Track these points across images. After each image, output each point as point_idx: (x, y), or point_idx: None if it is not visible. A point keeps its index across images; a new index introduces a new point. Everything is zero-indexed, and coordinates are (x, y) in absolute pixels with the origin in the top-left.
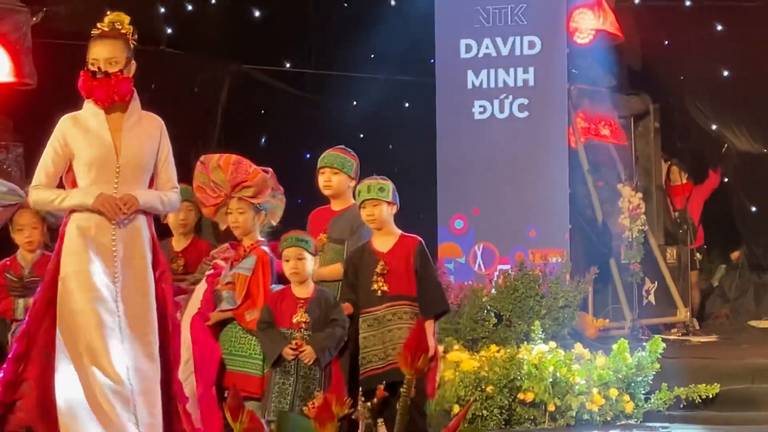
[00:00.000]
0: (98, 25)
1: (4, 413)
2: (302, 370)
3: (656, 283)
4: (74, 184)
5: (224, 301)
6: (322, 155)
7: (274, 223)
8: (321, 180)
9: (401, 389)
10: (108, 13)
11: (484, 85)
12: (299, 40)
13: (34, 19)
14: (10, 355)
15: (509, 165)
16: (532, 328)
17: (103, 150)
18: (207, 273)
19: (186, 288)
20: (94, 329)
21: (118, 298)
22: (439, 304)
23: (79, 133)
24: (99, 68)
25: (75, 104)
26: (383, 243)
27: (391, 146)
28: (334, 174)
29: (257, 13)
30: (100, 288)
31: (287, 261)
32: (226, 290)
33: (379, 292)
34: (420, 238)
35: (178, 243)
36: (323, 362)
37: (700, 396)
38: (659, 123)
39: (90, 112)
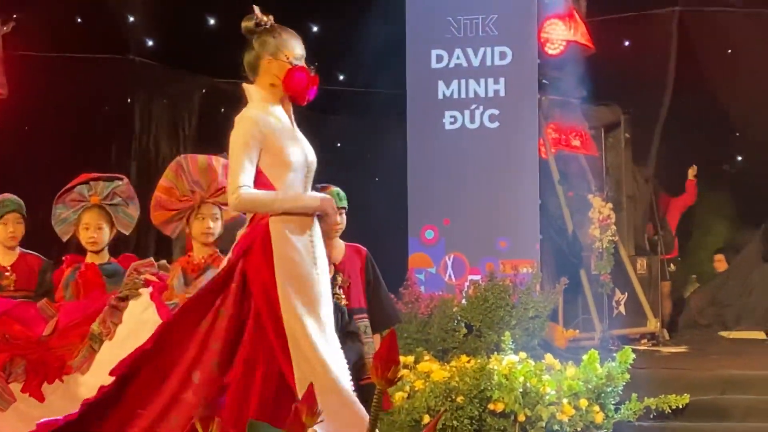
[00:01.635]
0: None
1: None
2: None
3: (626, 293)
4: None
5: None
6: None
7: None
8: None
9: (372, 401)
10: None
11: (455, 96)
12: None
13: (5, 28)
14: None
15: (480, 175)
16: (502, 338)
17: (302, 151)
18: (147, 290)
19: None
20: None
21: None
22: (396, 315)
23: (279, 133)
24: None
25: (46, 115)
26: (335, 254)
27: (368, 156)
28: None
29: (228, 26)
30: (315, 293)
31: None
32: None
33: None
34: (365, 248)
35: (5, 258)
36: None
37: (670, 406)
38: (630, 134)
39: (278, 111)
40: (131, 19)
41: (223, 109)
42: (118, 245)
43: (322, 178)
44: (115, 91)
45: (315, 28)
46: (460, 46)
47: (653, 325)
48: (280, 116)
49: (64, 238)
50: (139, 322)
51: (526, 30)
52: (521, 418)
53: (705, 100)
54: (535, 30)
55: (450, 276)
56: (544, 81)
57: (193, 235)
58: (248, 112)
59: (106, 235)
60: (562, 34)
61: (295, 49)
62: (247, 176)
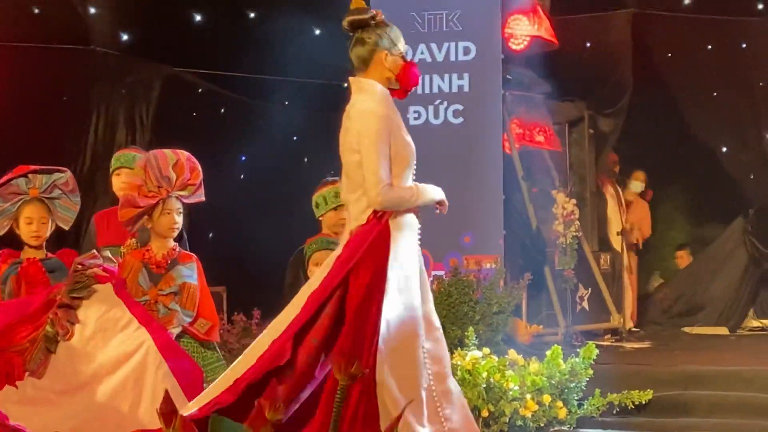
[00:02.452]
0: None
1: None
2: None
3: (590, 289)
4: None
5: (177, 317)
6: (117, 155)
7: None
8: (117, 182)
9: (336, 396)
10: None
11: (419, 91)
12: (234, 43)
13: None
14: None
15: (444, 171)
16: (465, 333)
17: (413, 145)
18: (107, 287)
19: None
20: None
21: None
22: None
23: (399, 128)
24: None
25: (3, 105)
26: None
27: (331, 150)
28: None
29: (191, 16)
30: (421, 290)
31: (317, 264)
32: (171, 303)
33: None
34: None
35: None
36: None
37: (633, 402)
38: (593, 129)
39: (391, 104)
40: (93, 10)
41: (181, 99)
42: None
43: (289, 171)
44: (76, 81)
45: (276, 21)
46: (424, 41)
47: (617, 320)
48: (396, 111)
49: (1, 232)
50: (106, 320)
51: (490, 25)
52: (484, 413)
53: (665, 99)
54: (499, 25)
55: None
56: (508, 76)
57: (157, 231)
58: (374, 107)
59: (48, 229)
60: (526, 30)
61: (403, 44)
62: (386, 172)
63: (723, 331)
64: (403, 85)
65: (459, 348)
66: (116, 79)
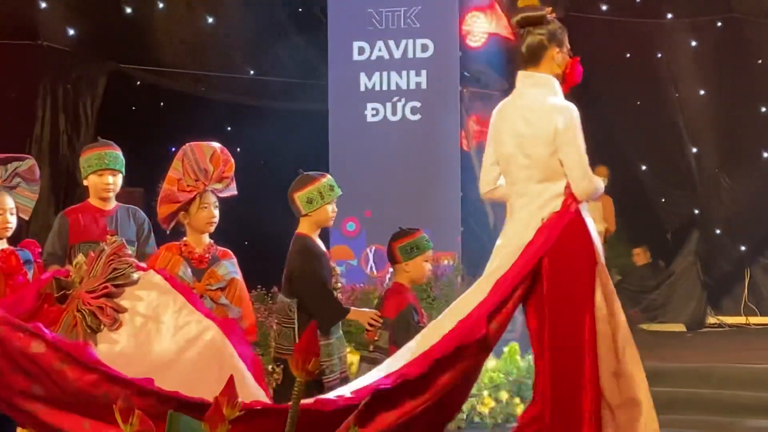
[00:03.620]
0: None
1: None
2: None
3: None
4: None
5: (229, 312)
6: (101, 154)
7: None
8: (98, 182)
9: (293, 392)
10: None
11: (377, 88)
12: (184, 38)
13: None
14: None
15: (402, 168)
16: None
17: None
18: (152, 275)
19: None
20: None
21: None
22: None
23: None
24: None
25: None
26: None
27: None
28: (115, 175)
29: (134, 11)
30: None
31: (426, 262)
32: (221, 298)
33: None
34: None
35: None
36: None
37: None
38: None
39: None
40: (43, 5)
41: (127, 95)
42: None
43: (251, 168)
44: (24, 76)
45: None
46: (382, 38)
47: None
48: None
49: None
50: (157, 307)
51: (447, 22)
52: None
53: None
54: (456, 22)
55: (371, 268)
56: (465, 73)
57: (195, 225)
58: (566, 102)
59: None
60: (483, 27)
61: (567, 40)
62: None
63: (680, 328)
64: (569, 81)
65: None
66: (63, 75)
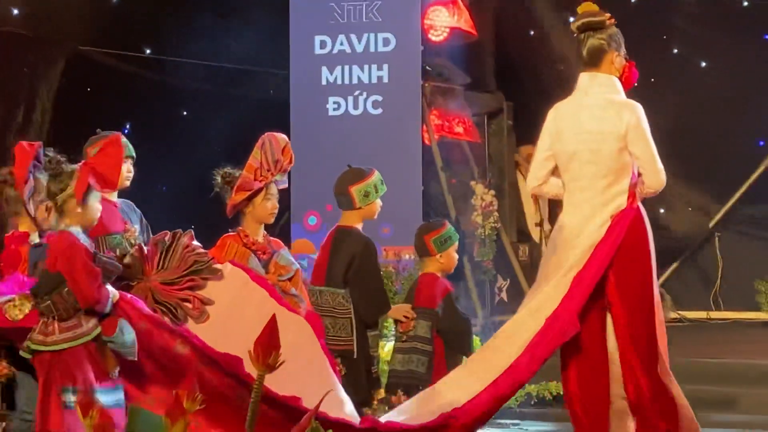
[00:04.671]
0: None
1: None
2: None
3: (508, 280)
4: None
5: (300, 303)
6: (124, 143)
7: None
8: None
9: (253, 386)
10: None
11: (339, 82)
12: (145, 23)
13: None
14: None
15: (363, 161)
16: (385, 324)
17: None
18: (232, 268)
19: None
20: None
21: None
22: None
23: None
24: None
25: None
26: None
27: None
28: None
29: None
30: None
31: (456, 251)
32: (292, 289)
33: None
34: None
35: None
36: None
37: (551, 393)
38: (512, 121)
39: None
40: None
41: (85, 79)
42: None
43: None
44: None
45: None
46: (343, 32)
47: None
48: None
49: None
50: (240, 298)
51: (409, 16)
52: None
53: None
54: (418, 16)
55: None
56: (427, 67)
57: (258, 215)
58: (633, 101)
59: None
60: (445, 21)
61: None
62: None
63: None
64: (625, 84)
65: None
66: (18, 58)
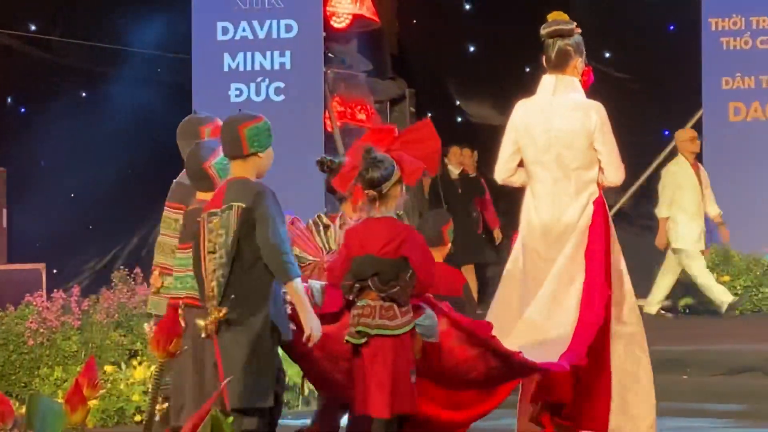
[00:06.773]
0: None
1: None
2: None
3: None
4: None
5: None
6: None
7: None
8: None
9: (155, 373)
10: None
11: (241, 68)
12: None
13: None
14: None
15: None
16: None
17: None
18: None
19: None
20: None
21: None
22: None
23: None
24: None
25: None
26: None
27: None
28: None
29: None
30: None
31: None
32: None
33: None
34: None
35: None
36: None
37: None
38: (414, 107)
39: None
40: None
41: None
42: None
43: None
44: None
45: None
46: (245, 18)
47: None
48: None
49: None
50: None
51: (312, 3)
52: (305, 391)
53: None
54: (321, 3)
55: None
56: (329, 54)
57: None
58: (598, 102)
59: None
60: (347, 8)
61: None
62: None
63: None
64: (584, 86)
65: None
66: None
